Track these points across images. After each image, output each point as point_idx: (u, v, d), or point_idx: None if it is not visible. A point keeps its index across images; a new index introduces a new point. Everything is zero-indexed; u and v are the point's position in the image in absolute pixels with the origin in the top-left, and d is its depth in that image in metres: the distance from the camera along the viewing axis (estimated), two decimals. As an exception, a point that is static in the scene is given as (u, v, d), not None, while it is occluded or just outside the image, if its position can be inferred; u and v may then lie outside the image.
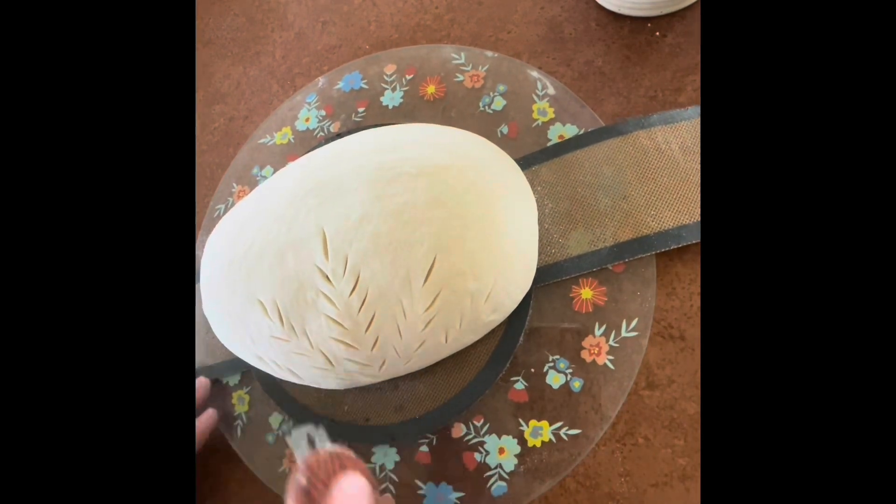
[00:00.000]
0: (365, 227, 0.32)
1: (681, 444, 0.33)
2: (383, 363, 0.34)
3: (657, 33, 0.41)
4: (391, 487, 0.36)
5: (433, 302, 0.32)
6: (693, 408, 0.33)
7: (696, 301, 0.35)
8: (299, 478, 0.28)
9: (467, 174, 0.33)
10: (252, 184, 0.46)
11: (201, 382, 0.42)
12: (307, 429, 0.31)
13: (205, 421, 0.40)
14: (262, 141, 0.48)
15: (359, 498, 0.27)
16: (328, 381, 0.36)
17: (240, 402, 0.41)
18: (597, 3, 0.42)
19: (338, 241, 0.32)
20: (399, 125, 0.39)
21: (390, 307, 0.32)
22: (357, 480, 0.28)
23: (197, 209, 0.48)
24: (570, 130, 0.39)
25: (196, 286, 0.44)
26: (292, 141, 0.46)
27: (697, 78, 0.39)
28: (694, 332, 0.34)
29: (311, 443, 0.32)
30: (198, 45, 0.56)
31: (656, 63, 0.40)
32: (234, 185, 0.47)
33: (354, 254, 0.32)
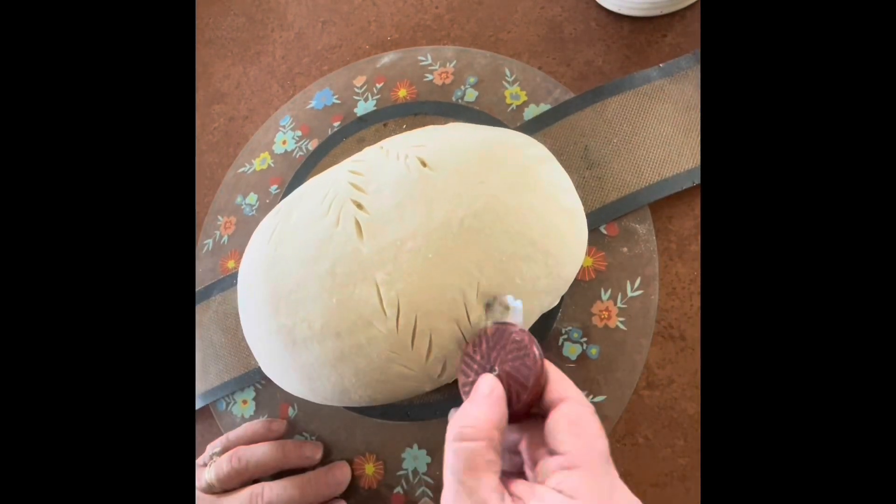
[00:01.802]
0: (415, 273, 0.31)
1: (681, 444, 0.33)
2: (443, 374, 0.34)
3: (657, 33, 0.41)
4: (428, 491, 0.36)
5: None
6: (693, 408, 0.33)
7: (696, 301, 0.35)
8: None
9: (511, 200, 0.32)
10: (237, 213, 0.46)
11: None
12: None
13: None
14: (241, 170, 0.48)
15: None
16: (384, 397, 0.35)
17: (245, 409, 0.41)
18: (597, 3, 0.42)
19: (390, 291, 0.31)
20: (410, 132, 0.38)
21: (446, 337, 0.31)
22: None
23: (197, 209, 0.48)
24: (544, 109, 0.41)
25: (210, 297, 0.44)
26: (272, 165, 0.46)
27: (697, 78, 0.39)
28: (694, 332, 0.34)
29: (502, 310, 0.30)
30: (198, 45, 0.55)
31: (656, 63, 0.40)
32: (220, 217, 0.47)
33: (406, 298, 0.31)
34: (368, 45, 0.49)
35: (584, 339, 0.35)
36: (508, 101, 0.42)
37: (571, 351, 0.35)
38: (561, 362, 0.35)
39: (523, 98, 0.41)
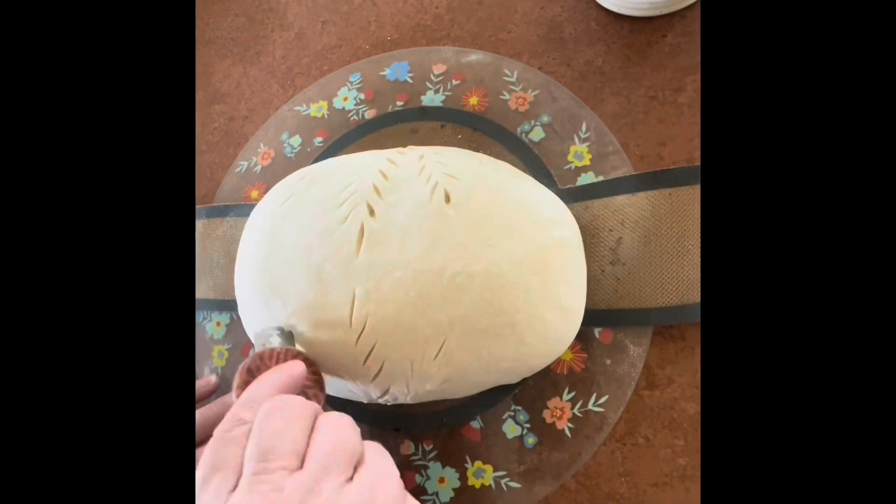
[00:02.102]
0: (392, 303, 0.31)
1: (681, 444, 0.33)
2: (384, 396, 0.34)
3: (657, 33, 0.41)
4: None
5: (445, 370, 0.32)
6: (693, 408, 0.33)
7: (696, 301, 0.35)
8: (247, 361, 0.29)
9: (519, 278, 0.31)
10: (278, 148, 0.46)
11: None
12: (275, 329, 0.32)
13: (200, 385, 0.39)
14: (297, 108, 0.48)
15: (289, 379, 0.27)
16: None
17: (219, 356, 0.42)
18: (597, 3, 0.42)
19: (363, 308, 0.32)
20: (463, 153, 0.37)
21: (396, 370, 0.32)
22: (297, 365, 0.29)
23: (197, 209, 0.48)
24: (601, 180, 0.37)
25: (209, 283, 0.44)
26: (326, 116, 0.46)
27: (697, 78, 0.39)
28: (694, 332, 0.34)
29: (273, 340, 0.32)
30: (198, 45, 0.55)
31: (656, 63, 0.40)
32: (262, 146, 0.47)
33: (374, 320, 0.31)
34: (368, 45, 0.49)
35: (528, 425, 0.34)
36: (570, 158, 0.38)
37: (511, 429, 0.35)
38: (497, 435, 0.35)
39: (586, 161, 0.38)
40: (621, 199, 0.36)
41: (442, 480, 0.35)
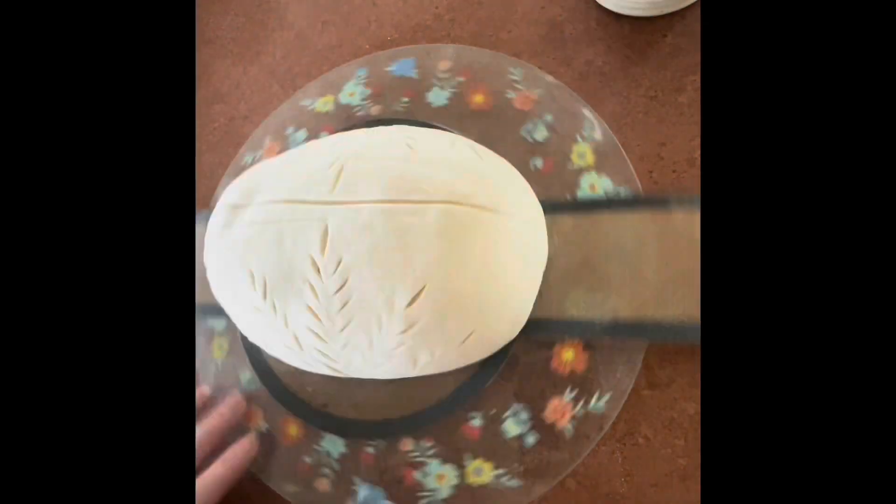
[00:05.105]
0: (366, 235, 0.32)
1: (681, 444, 0.33)
2: (349, 364, 0.35)
3: (657, 33, 0.41)
4: (329, 473, 0.37)
5: (410, 328, 0.32)
6: (693, 408, 0.33)
7: (696, 301, 0.35)
8: None
9: (482, 214, 0.32)
10: (283, 141, 0.46)
11: (235, 401, 0.39)
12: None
13: (239, 453, 0.37)
14: (303, 103, 0.47)
15: None
16: (293, 361, 0.37)
17: (219, 348, 0.43)
18: (597, 3, 0.42)
19: (338, 239, 0.32)
20: (439, 132, 0.38)
21: (368, 318, 0.32)
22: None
23: (197, 209, 0.48)
24: (603, 183, 0.37)
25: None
26: (332, 111, 0.45)
27: (697, 78, 0.39)
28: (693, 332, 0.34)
29: None
30: (198, 45, 0.55)
31: (656, 63, 0.40)
32: (267, 140, 0.47)
33: (350, 256, 0.32)
34: (368, 45, 0.49)
35: (529, 424, 0.34)
36: (574, 157, 0.38)
37: (511, 428, 0.34)
38: (496, 433, 0.35)
39: (589, 161, 0.37)
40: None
41: (441, 478, 0.35)
